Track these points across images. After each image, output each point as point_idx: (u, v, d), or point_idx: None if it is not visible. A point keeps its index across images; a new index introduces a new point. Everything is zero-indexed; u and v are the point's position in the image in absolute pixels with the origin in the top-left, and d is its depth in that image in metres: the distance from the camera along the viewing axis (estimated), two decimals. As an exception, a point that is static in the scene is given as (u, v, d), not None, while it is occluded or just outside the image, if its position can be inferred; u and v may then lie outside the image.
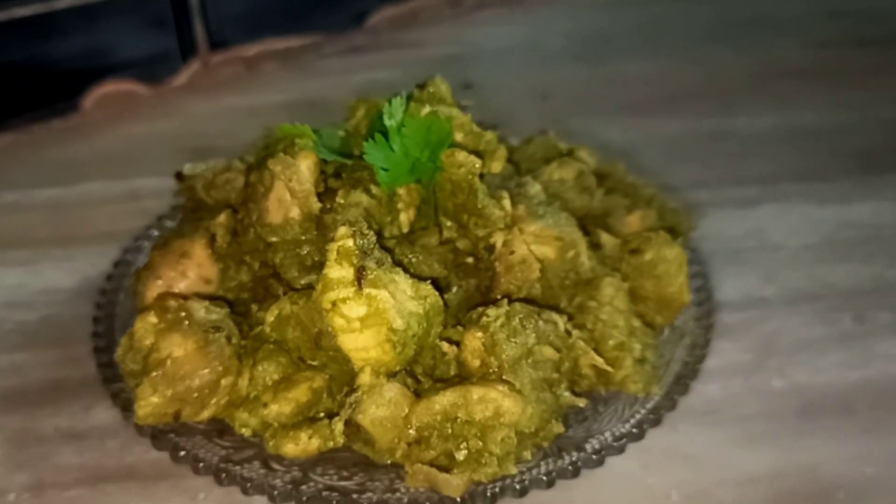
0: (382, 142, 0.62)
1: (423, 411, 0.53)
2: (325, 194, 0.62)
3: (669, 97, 1.10)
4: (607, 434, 0.58)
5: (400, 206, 0.63)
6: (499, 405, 0.53)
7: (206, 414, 0.57)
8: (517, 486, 0.54)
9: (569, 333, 0.59)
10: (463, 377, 0.56)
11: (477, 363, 0.55)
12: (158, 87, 1.13)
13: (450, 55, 1.22)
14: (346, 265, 0.53)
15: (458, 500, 0.53)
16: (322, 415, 0.58)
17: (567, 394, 0.58)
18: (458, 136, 0.65)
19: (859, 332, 0.74)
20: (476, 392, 0.53)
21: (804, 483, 0.61)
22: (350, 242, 0.54)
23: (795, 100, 1.09)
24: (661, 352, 0.64)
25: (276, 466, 0.56)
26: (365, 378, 0.54)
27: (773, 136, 1.02)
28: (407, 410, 0.54)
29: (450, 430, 0.53)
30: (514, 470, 0.53)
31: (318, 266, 0.57)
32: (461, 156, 0.61)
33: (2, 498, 0.60)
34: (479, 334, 0.55)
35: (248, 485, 0.54)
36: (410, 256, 0.61)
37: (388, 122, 0.62)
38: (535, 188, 0.66)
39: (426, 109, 0.64)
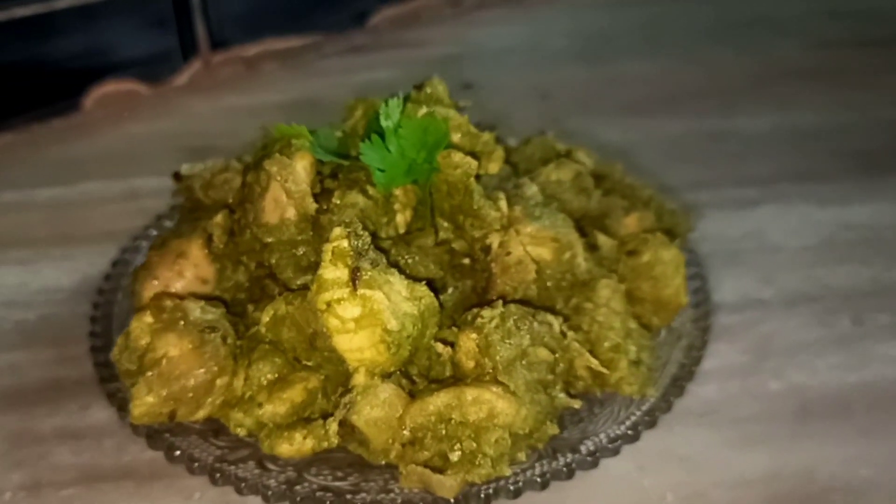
0: (379, 143, 0.62)
1: (418, 412, 0.53)
2: (321, 195, 0.62)
3: (670, 97, 1.10)
4: (602, 436, 0.58)
5: (396, 206, 0.63)
6: (493, 406, 0.53)
7: (201, 414, 0.57)
8: (511, 488, 0.54)
9: (564, 335, 0.59)
10: (458, 378, 0.56)
11: (471, 364, 0.55)
12: (159, 86, 1.13)
13: (451, 55, 1.22)
14: (341, 266, 0.53)
15: (452, 501, 0.53)
16: (317, 415, 0.58)
17: (562, 395, 0.58)
18: (455, 137, 0.65)
19: (858, 333, 0.73)
20: (470, 393, 0.53)
21: (800, 485, 0.61)
22: (345, 243, 0.54)
23: (796, 100, 1.09)
24: (657, 353, 0.64)
25: (270, 466, 0.56)
26: (359, 379, 0.55)
27: (773, 136, 1.01)
28: (401, 411, 0.54)
29: (444, 431, 0.53)
30: (508, 471, 0.53)
31: (314, 266, 0.57)
32: (457, 157, 0.61)
33: (-2, 497, 0.60)
34: (474, 335, 0.55)
35: (243, 485, 0.54)
36: (406, 257, 0.61)
37: (384, 122, 0.62)
38: (531, 189, 0.66)
39: (423, 110, 0.64)
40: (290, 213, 0.61)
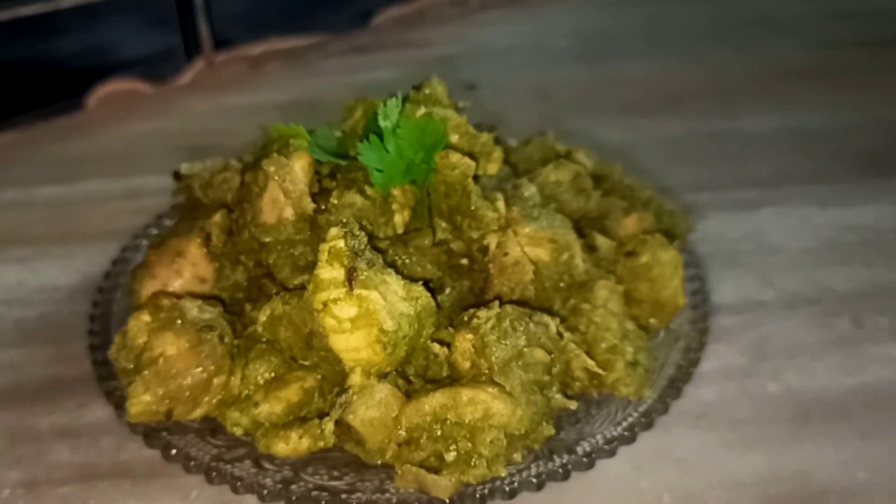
0: (377, 143, 0.62)
1: (413, 412, 0.53)
2: (319, 195, 0.62)
3: (670, 98, 1.10)
4: (598, 437, 0.58)
5: (394, 207, 0.63)
6: (488, 407, 0.53)
7: (198, 412, 0.57)
8: (506, 489, 0.54)
9: (561, 336, 0.58)
10: (454, 379, 0.56)
11: (467, 365, 0.55)
12: (162, 85, 1.13)
13: (454, 55, 1.23)
14: (338, 266, 0.53)
15: (447, 501, 0.53)
16: (313, 415, 0.58)
17: (558, 396, 0.58)
18: (454, 138, 0.65)
19: (857, 336, 0.73)
20: (466, 394, 0.53)
21: (797, 488, 0.61)
22: (341, 243, 0.54)
23: (796, 101, 1.09)
24: (655, 355, 0.64)
25: (267, 466, 0.56)
26: (355, 379, 0.55)
27: (774, 137, 1.01)
28: (397, 411, 0.54)
29: (439, 432, 0.53)
30: (503, 472, 0.53)
31: (312, 266, 0.57)
32: (455, 157, 0.61)
33: (-4, 494, 0.61)
34: (470, 336, 0.55)
35: (239, 484, 0.55)
36: (404, 257, 0.61)
37: (382, 123, 0.62)
38: (530, 190, 0.66)
39: (422, 111, 0.64)
40: (288, 213, 0.61)
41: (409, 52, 1.24)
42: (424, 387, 0.56)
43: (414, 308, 0.55)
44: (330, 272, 0.53)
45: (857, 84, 1.12)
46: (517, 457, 0.55)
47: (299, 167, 0.61)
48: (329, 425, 0.55)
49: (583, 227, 0.67)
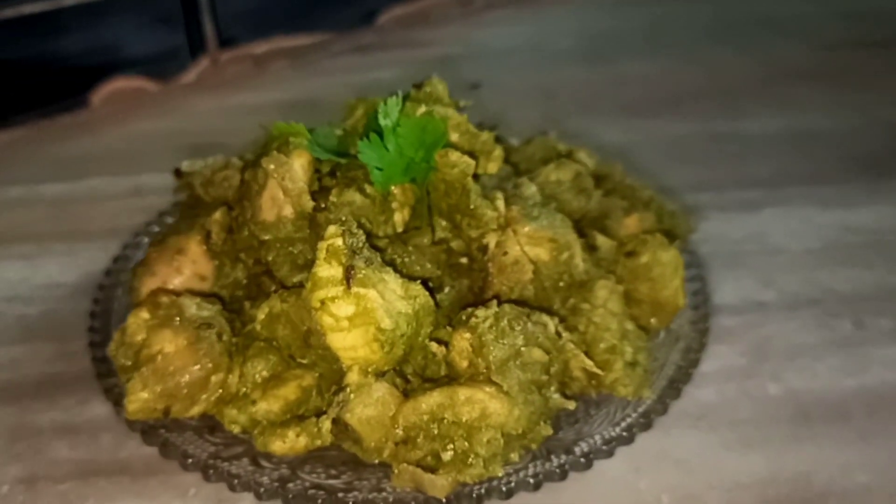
0: (377, 141, 0.62)
1: (410, 411, 0.53)
2: (319, 193, 0.62)
3: (672, 98, 1.10)
4: (597, 437, 0.57)
5: (394, 205, 0.63)
6: (485, 406, 0.53)
7: (195, 410, 0.58)
8: (503, 488, 0.54)
9: (559, 335, 0.58)
10: (451, 378, 0.56)
11: (465, 364, 0.55)
12: (167, 84, 1.14)
13: (457, 55, 1.23)
14: (335, 264, 0.53)
15: (444, 500, 0.53)
16: (311, 413, 0.58)
17: (556, 396, 0.58)
18: (454, 137, 0.65)
19: (858, 337, 0.73)
20: (463, 393, 0.53)
21: (797, 489, 0.60)
22: (339, 241, 0.54)
23: (798, 101, 1.08)
24: (654, 355, 0.64)
25: (264, 464, 0.56)
26: (353, 377, 0.55)
27: (776, 138, 1.01)
28: (394, 410, 0.54)
29: (436, 431, 0.53)
30: (500, 471, 0.53)
31: (310, 264, 0.57)
32: (454, 156, 0.61)
33: (-5, 490, 0.61)
34: (467, 335, 0.55)
35: (236, 482, 0.55)
36: (403, 256, 0.61)
37: (383, 121, 0.62)
38: (530, 189, 0.66)
39: (422, 109, 0.64)
40: (287, 211, 0.61)
41: (412, 52, 1.24)
42: (422, 386, 0.56)
43: (412, 307, 0.55)
44: (328, 270, 0.53)
45: (858, 85, 1.11)
46: (514, 457, 0.55)
47: (299, 165, 0.61)
48: (326, 424, 0.55)
49: (583, 226, 0.67)
